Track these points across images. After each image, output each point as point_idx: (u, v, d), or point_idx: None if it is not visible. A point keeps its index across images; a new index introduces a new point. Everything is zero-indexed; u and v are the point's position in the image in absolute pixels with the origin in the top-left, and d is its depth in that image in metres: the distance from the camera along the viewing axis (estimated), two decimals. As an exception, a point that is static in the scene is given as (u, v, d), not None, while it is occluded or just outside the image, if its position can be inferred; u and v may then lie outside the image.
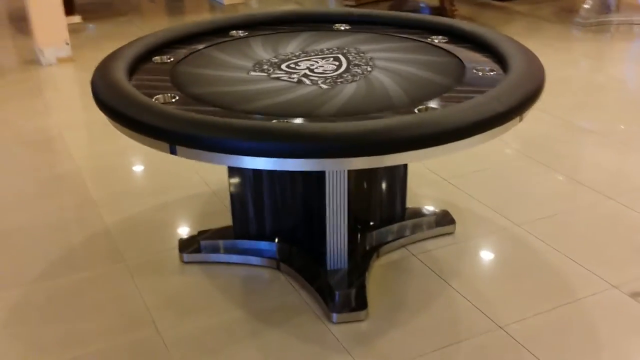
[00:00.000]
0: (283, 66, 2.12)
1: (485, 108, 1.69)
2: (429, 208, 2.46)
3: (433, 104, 1.81)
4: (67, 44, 4.47)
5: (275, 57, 2.21)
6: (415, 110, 1.77)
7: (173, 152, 1.69)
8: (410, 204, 2.48)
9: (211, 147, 1.63)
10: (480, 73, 2.03)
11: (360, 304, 2.00)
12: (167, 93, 1.92)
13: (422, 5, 5.80)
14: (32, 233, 2.50)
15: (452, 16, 5.10)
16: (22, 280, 2.21)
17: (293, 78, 2.02)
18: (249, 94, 1.92)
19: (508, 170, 2.89)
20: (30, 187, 2.86)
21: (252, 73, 2.08)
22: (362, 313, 1.99)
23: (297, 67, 2.11)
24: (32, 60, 4.51)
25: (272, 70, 2.09)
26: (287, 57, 2.20)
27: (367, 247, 2.26)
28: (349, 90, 1.92)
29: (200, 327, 1.98)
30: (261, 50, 2.28)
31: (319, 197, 2.02)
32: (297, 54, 2.23)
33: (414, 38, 2.38)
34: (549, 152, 3.03)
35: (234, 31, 2.49)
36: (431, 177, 2.83)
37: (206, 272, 2.23)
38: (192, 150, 1.66)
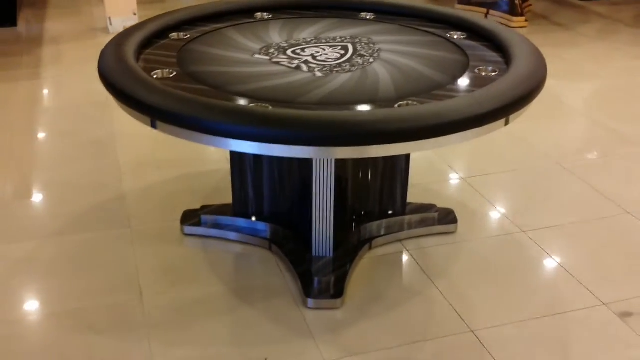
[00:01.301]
0: (289, 51, 2.15)
1: (462, 109, 1.67)
2: (432, 205, 2.43)
3: (417, 100, 1.79)
4: (135, 14, 4.65)
5: (286, 41, 2.24)
6: (396, 105, 1.76)
7: (154, 126, 1.76)
8: (419, 199, 2.46)
9: (186, 125, 1.68)
10: (484, 73, 1.99)
11: (337, 292, 2.03)
12: (167, 69, 1.99)
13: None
14: (57, 192, 2.65)
15: (522, 13, 4.95)
16: (35, 234, 2.36)
17: (293, 64, 2.05)
18: (242, 76, 1.96)
19: (532, 175, 2.81)
20: (69, 148, 3.02)
21: (256, 56, 2.12)
22: (337, 301, 2.01)
23: (302, 53, 2.14)
24: (102, 29, 4.72)
25: (276, 54, 2.13)
26: (298, 42, 2.23)
27: (360, 238, 2.27)
28: (340, 80, 1.93)
29: (181, 297, 2.06)
30: (276, 34, 2.32)
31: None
32: (309, 40, 2.25)
33: (434, 32, 2.35)
34: (582, 161, 2.92)
35: (259, 13, 2.54)
36: (449, 175, 2.80)
37: (202, 246, 2.30)
38: (170, 127, 1.72)
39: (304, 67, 2.02)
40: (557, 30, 4.91)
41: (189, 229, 2.36)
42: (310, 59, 2.09)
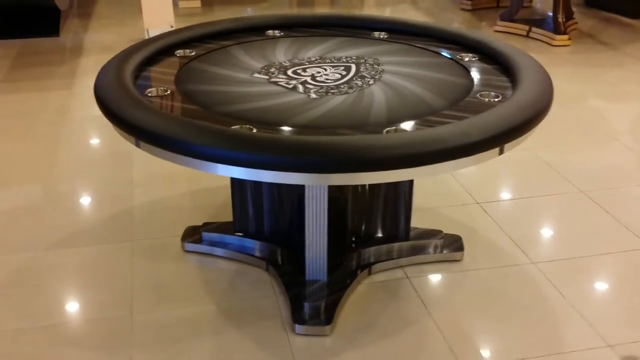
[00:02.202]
0: (290, 71, 2.12)
1: (446, 138, 1.60)
2: (439, 231, 2.35)
3: (408, 126, 1.73)
4: (172, 27, 4.71)
5: (289, 60, 2.21)
6: (384, 131, 1.70)
7: (138, 145, 1.75)
8: (427, 224, 2.39)
9: (165, 146, 1.66)
10: (486, 99, 1.91)
11: (326, 319, 1.97)
12: (162, 87, 1.98)
13: (537, 17, 5.50)
14: (68, 202, 2.68)
15: (566, 31, 4.79)
16: (37, 245, 2.39)
17: (290, 84, 2.01)
18: (234, 95, 1.94)
19: (553, 203, 2.70)
20: (88, 159, 3.06)
21: (255, 75, 2.10)
22: (326, 328, 1.96)
23: (302, 73, 2.10)
24: (139, 39, 4.78)
25: (276, 73, 2.10)
26: (301, 61, 2.20)
27: (361, 262, 2.22)
28: (333, 102, 1.88)
29: (171, 315, 2.04)
30: (282, 52, 2.29)
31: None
32: (313, 59, 2.22)
33: (443, 54, 2.29)
34: (608, 190, 2.79)
35: (271, 31, 2.52)
36: (463, 199, 2.71)
37: (200, 263, 2.29)
38: (153, 147, 1.70)
39: (300, 88, 1.98)
40: (601, 49, 4.73)
41: (189, 246, 2.35)
42: (309, 79, 2.05)
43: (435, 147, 1.58)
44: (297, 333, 1.96)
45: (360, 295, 2.13)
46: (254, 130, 1.70)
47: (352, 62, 2.19)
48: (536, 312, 2.06)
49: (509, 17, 5.09)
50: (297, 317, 1.98)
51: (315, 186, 1.94)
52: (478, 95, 1.93)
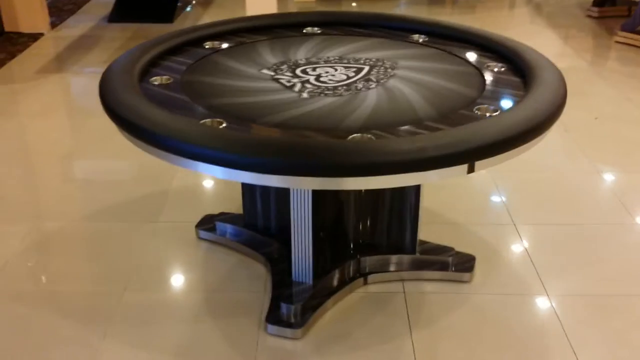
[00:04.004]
0: (299, 69, 2.09)
1: (403, 150, 1.51)
2: (450, 248, 2.23)
3: (378, 134, 1.65)
4: (274, 19, 4.80)
5: (307, 58, 2.18)
6: (349, 137, 1.64)
7: (128, 139, 1.80)
8: (449, 239, 2.30)
9: (140, 137, 1.71)
10: (480, 112, 1.78)
11: (299, 322, 1.94)
12: (168, 75, 2.03)
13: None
14: (110, 179, 2.84)
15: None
16: (70, 216, 2.55)
17: (290, 82, 1.99)
18: (227, 89, 1.95)
19: (599, 233, 2.45)
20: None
21: (263, 71, 2.09)
22: (297, 331, 1.93)
23: (310, 72, 2.07)
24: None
25: (284, 71, 2.08)
26: (317, 60, 2.17)
27: (360, 270, 2.15)
28: (320, 104, 1.84)
29: (159, 297, 2.10)
30: (306, 50, 2.27)
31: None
32: (331, 59, 2.18)
33: (472, 62, 2.15)
34: (671, 224, 2.50)
35: (310, 28, 2.50)
36: (501, 218, 2.54)
37: (207, 251, 2.33)
38: (136, 140, 1.75)
39: (297, 87, 1.96)
40: None
41: (202, 233, 2.40)
42: (312, 79, 2.02)
43: (385, 159, 1.50)
44: (269, 333, 1.95)
45: (348, 303, 2.08)
46: (223, 125, 1.71)
47: (368, 64, 2.12)
48: (529, 349, 1.90)
49: (632, 28, 4.67)
50: (271, 316, 1.96)
51: (300, 191, 1.91)
52: (475, 108, 1.80)
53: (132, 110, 1.73)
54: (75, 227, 2.49)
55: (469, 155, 1.56)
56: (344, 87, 1.95)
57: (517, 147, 1.61)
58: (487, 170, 2.87)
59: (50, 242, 2.40)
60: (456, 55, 2.22)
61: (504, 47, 2.19)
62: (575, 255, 2.32)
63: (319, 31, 2.48)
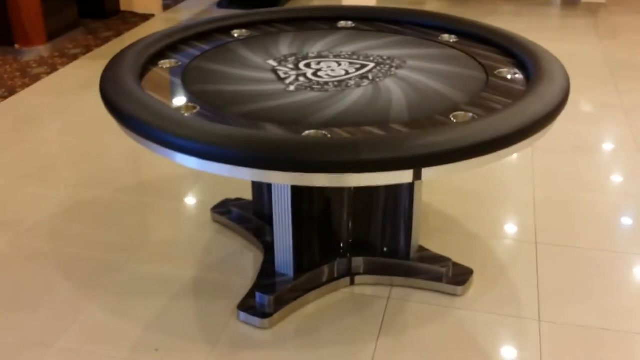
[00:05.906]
0: (302, 63, 2.10)
1: (338, 150, 1.49)
2: (447, 258, 2.13)
3: (337, 131, 1.63)
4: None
5: (318, 52, 2.18)
6: (306, 132, 1.63)
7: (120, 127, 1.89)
8: (457, 250, 2.21)
9: (119, 120, 1.80)
10: (455, 120, 1.70)
11: (268, 313, 1.96)
12: (177, 59, 2.12)
13: None
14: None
15: None
16: (109, 186, 2.72)
17: (285, 74, 2.00)
18: (221, 76, 2.00)
19: (621, 263, 2.25)
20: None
21: (269, 62, 2.12)
22: (265, 321, 1.95)
23: (313, 66, 2.07)
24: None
25: (286, 63, 2.09)
26: (326, 55, 2.15)
27: (352, 270, 2.13)
28: (298, 98, 1.84)
29: (155, 271, 2.20)
30: (322, 44, 2.26)
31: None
32: (342, 54, 2.16)
33: (485, 66, 2.05)
34: None
35: (343, 22, 2.49)
36: (525, 235, 2.39)
37: (216, 234, 2.40)
38: (122, 127, 1.84)
39: (289, 80, 1.97)
40: None
41: (216, 216, 2.48)
42: (310, 73, 2.01)
43: (319, 158, 1.49)
44: (239, 319, 1.98)
45: (329, 301, 2.06)
46: (197, 110, 1.76)
47: (375, 62, 2.08)
48: (494, 373, 1.80)
49: None
50: (244, 304, 2.00)
51: (280, 185, 1.93)
52: (453, 114, 1.72)
53: (116, 90, 1.82)
54: (108, 198, 2.65)
55: (413, 162, 1.50)
56: (335, 83, 1.93)
57: (466, 159, 1.52)
58: (530, 184, 2.71)
59: (81, 209, 2.58)
60: (474, 59, 2.12)
61: (524, 53, 2.06)
62: (588, 283, 2.15)
63: (352, 25, 2.46)
